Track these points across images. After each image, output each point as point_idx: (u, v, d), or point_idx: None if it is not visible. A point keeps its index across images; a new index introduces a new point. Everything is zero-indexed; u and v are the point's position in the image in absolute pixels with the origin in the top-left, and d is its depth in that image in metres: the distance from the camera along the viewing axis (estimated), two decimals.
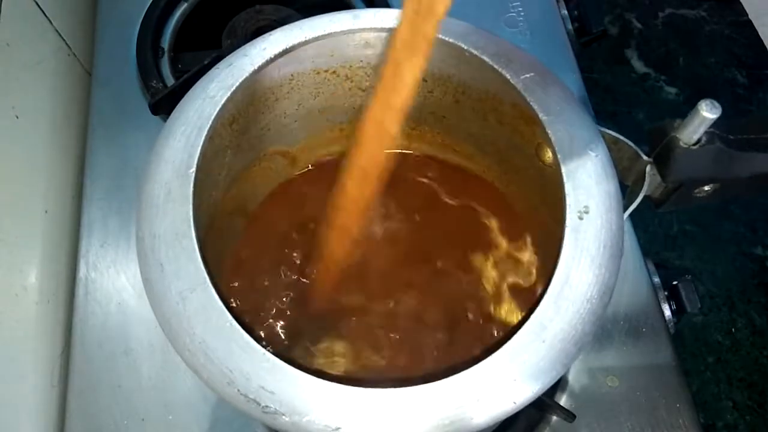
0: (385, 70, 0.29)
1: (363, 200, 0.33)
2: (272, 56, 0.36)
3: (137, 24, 0.61)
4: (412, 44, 0.28)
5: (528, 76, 0.34)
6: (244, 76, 0.35)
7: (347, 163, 0.33)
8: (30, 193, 0.51)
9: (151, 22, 0.61)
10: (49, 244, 0.52)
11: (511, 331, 0.28)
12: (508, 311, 0.40)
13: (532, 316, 0.28)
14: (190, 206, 0.31)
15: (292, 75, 0.38)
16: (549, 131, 0.33)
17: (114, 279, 0.50)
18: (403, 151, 0.47)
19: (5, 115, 0.48)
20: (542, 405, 0.43)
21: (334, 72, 0.39)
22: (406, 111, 0.30)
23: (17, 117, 0.49)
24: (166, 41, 0.61)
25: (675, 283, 0.50)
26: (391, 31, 0.28)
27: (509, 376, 0.27)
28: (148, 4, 0.62)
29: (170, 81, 0.58)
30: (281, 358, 0.27)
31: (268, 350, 0.27)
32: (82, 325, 0.48)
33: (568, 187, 0.31)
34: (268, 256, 0.43)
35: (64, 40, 0.59)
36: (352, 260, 0.37)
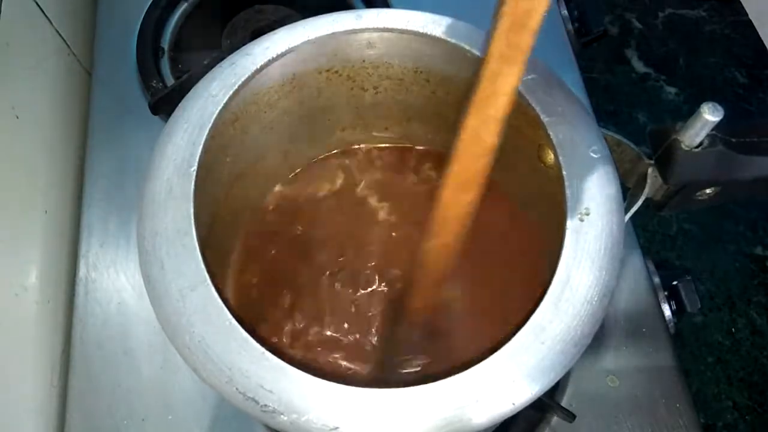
0: (482, 83, 0.29)
1: (463, 210, 0.33)
2: (275, 56, 0.36)
3: (137, 24, 0.61)
4: (509, 57, 0.28)
5: (530, 77, 0.34)
6: (247, 75, 0.35)
7: (445, 176, 0.33)
8: (30, 193, 0.51)
9: (151, 22, 0.61)
10: (49, 244, 0.52)
11: (510, 332, 0.28)
12: None
13: (532, 318, 0.28)
14: (191, 204, 0.31)
15: (294, 74, 0.38)
16: (551, 133, 0.33)
17: (114, 279, 0.50)
18: (405, 145, 0.47)
19: (5, 115, 0.48)
20: (542, 405, 0.43)
21: (336, 72, 0.39)
22: (503, 121, 0.30)
23: (17, 117, 0.49)
24: (166, 41, 0.61)
25: (675, 283, 0.50)
26: (485, 44, 0.29)
27: (508, 377, 0.27)
28: (148, 4, 0.62)
29: (170, 81, 0.58)
30: (280, 357, 0.27)
31: (268, 349, 0.27)
32: (82, 325, 0.48)
33: (570, 189, 0.31)
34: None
35: (64, 40, 0.59)
36: (449, 270, 0.37)
